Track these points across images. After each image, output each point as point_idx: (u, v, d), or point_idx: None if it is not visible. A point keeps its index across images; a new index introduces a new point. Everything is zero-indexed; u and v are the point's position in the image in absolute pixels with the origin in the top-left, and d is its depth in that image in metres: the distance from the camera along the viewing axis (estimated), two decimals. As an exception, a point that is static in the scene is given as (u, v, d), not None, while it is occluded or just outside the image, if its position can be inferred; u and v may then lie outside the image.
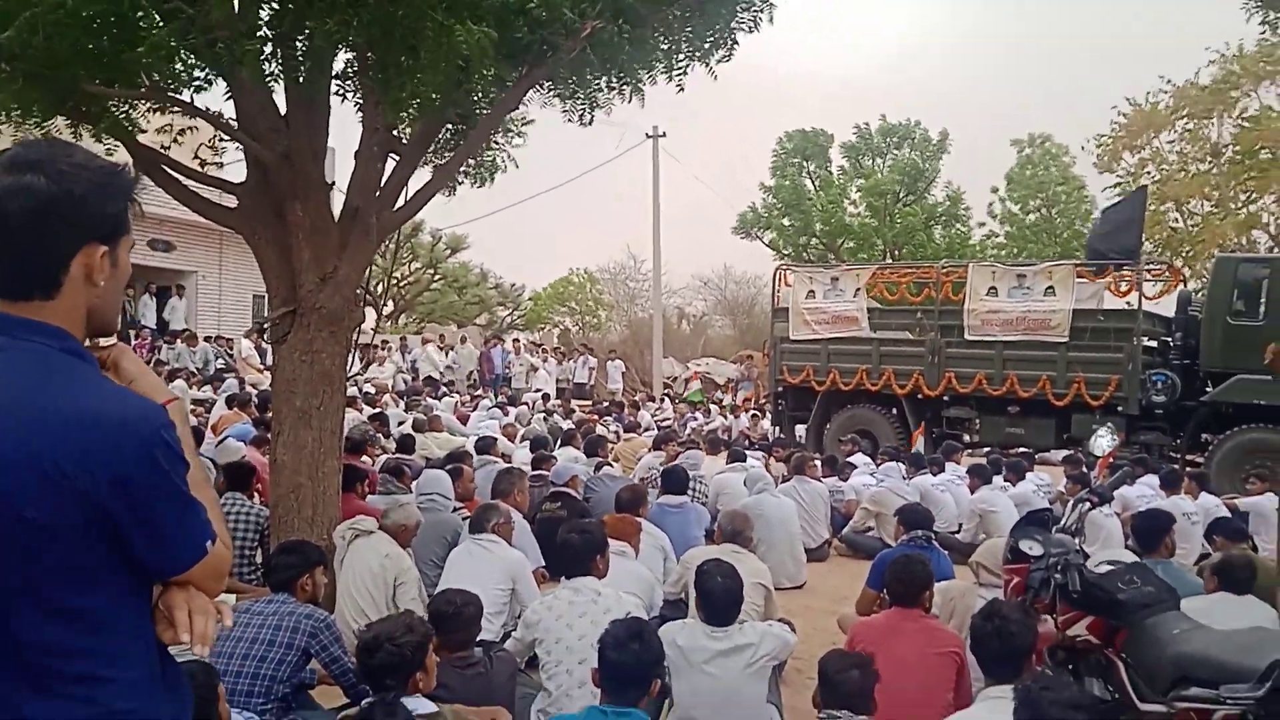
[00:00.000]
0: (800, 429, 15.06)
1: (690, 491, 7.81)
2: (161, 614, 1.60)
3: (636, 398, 21.45)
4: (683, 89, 6.14)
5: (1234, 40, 23.85)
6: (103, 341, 1.73)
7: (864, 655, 3.45)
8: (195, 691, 2.62)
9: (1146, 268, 12.59)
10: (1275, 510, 5.22)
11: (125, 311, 19.14)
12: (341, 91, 5.84)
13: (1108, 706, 3.93)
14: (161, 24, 4.59)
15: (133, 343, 16.97)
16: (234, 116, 5.65)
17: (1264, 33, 14.22)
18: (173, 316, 19.96)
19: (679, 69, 6.06)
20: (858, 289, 14.06)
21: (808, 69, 66.97)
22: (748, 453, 10.31)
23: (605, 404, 19.28)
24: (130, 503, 1.49)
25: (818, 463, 9.94)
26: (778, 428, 15.40)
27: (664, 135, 27.47)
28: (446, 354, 21.96)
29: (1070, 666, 4.24)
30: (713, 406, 20.66)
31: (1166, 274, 12.95)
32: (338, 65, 5.58)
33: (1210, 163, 25.36)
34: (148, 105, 5.73)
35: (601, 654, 3.28)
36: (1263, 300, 10.95)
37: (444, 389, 18.22)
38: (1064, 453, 11.83)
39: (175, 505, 1.56)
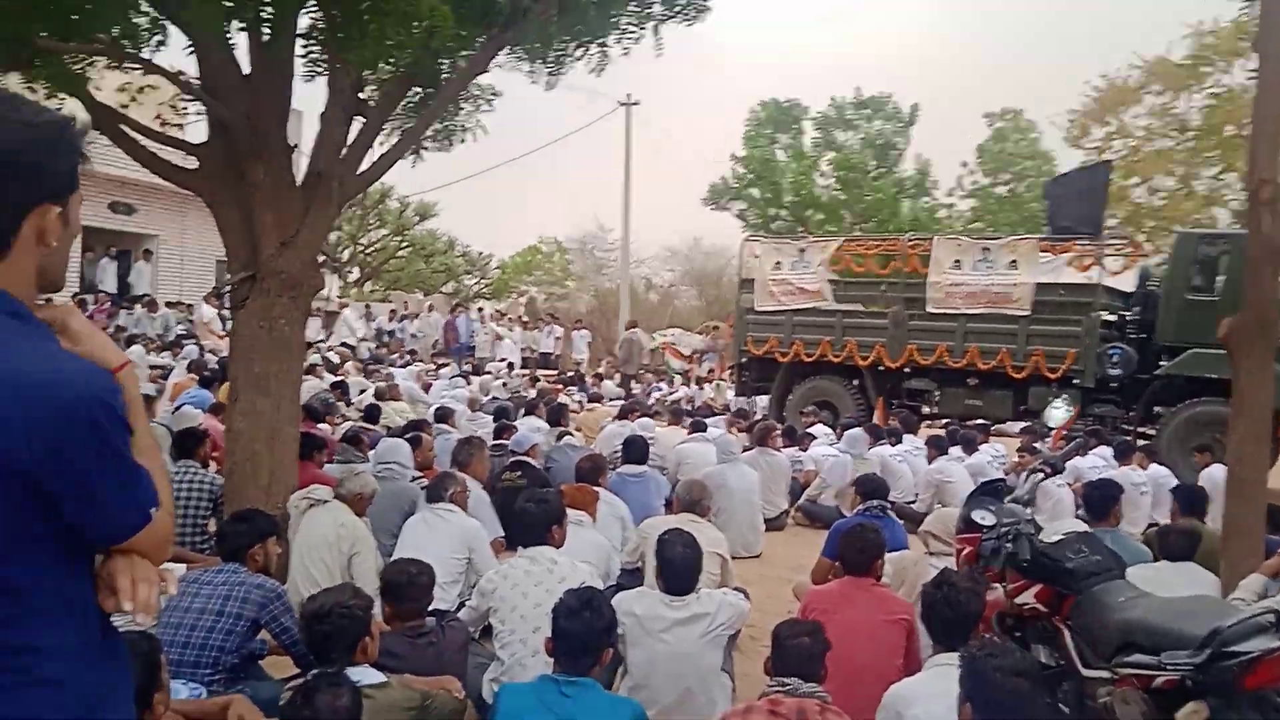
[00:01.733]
0: (761, 400, 15.15)
1: (650, 460, 7.84)
2: (104, 581, 1.57)
3: (601, 369, 21.44)
4: (660, 49, 6.10)
5: (1210, 18, 24.01)
6: (51, 301, 1.69)
7: (815, 623, 3.50)
8: (137, 661, 2.61)
9: (1108, 243, 12.72)
10: (1222, 482, 5.34)
11: (84, 276, 18.84)
12: (306, 53, 5.75)
13: (1052, 672, 4.04)
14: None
15: (90, 308, 16.71)
16: (196, 76, 5.54)
17: (1245, 6, 14.24)
18: (138, 281, 19.68)
19: (646, 32, 6.02)
20: (823, 261, 14.11)
21: (783, 45, 66.60)
22: (708, 422, 10.35)
23: (570, 374, 19.27)
24: (65, 468, 1.45)
25: (779, 433, 10.01)
26: (741, 398, 15.47)
27: (637, 104, 27.35)
28: (411, 321, 21.84)
29: (1018, 634, 4.33)
30: (676, 376, 20.70)
31: (1128, 249, 13.10)
32: (302, 25, 5.49)
33: (1177, 138, 25.59)
34: (105, 62, 5.61)
35: (555, 622, 3.29)
36: (1220, 276, 11.10)
37: (404, 356, 18.13)
38: (1021, 424, 11.99)
39: (115, 471, 1.52)
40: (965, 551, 4.55)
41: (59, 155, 1.56)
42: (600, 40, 6.01)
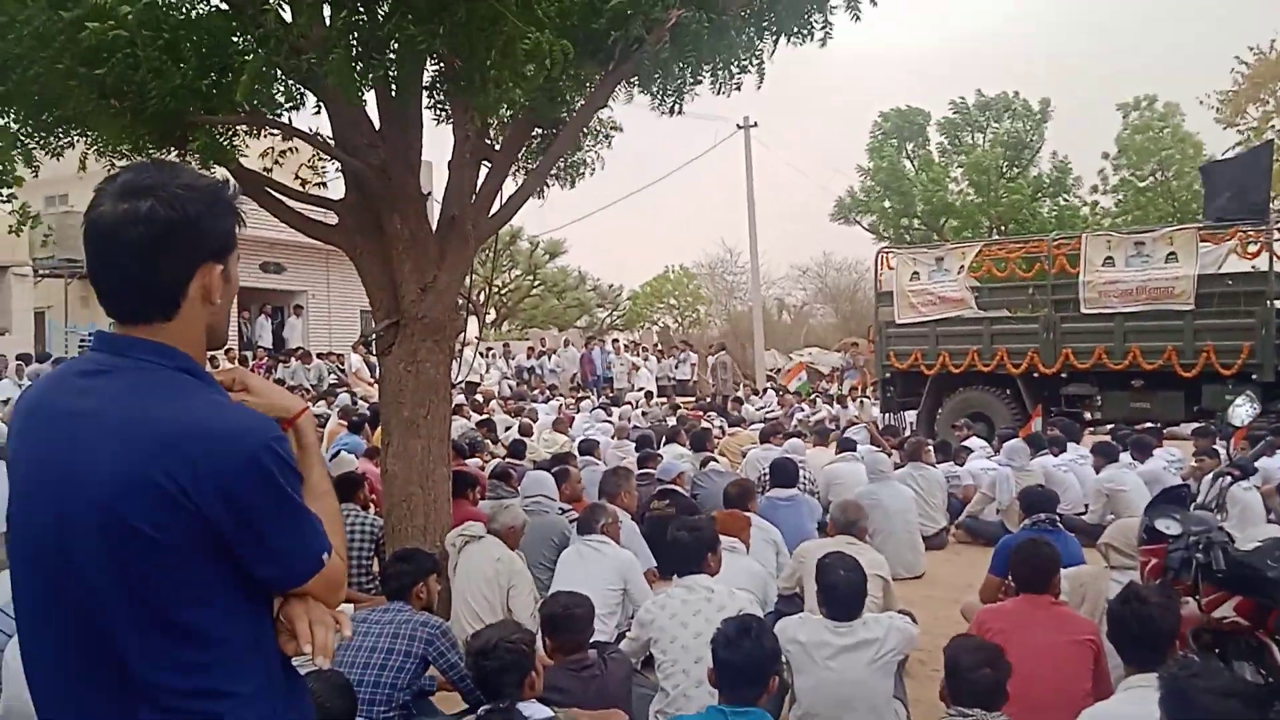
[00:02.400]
0: (909, 415, 14.70)
1: (800, 483, 7.67)
2: (282, 625, 1.62)
3: (740, 392, 21.29)
4: (762, 78, 6.02)
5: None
6: (222, 368, 1.77)
7: (994, 648, 3.29)
8: (338, 694, 2.72)
9: (1277, 226, 11.86)
10: None
11: (241, 333, 19.96)
12: (432, 104, 5.92)
13: (1264, 691, 3.69)
14: (256, 48, 4.71)
15: (250, 364, 17.69)
16: (330, 135, 5.78)
17: None
18: (291, 335, 20.74)
19: (765, 55, 5.95)
20: (963, 267, 13.63)
21: (898, 47, 65.51)
22: (856, 439, 10.09)
23: (709, 399, 19.18)
24: (239, 515, 1.49)
25: (932, 448, 9.67)
26: (887, 415, 15.06)
27: (755, 125, 27.26)
28: (549, 358, 22.23)
29: (1217, 650, 3.99)
30: (818, 397, 20.35)
31: (1299, 232, 12.19)
32: (427, 77, 5.65)
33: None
34: (248, 130, 5.91)
35: (715, 653, 3.21)
36: None
37: (545, 392, 18.42)
38: (1194, 425, 11.23)
39: (287, 517, 1.56)
40: (1151, 564, 4.22)
41: (219, 216, 1.62)
42: (718, 65, 5.96)
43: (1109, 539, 4.97)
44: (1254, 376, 10.99)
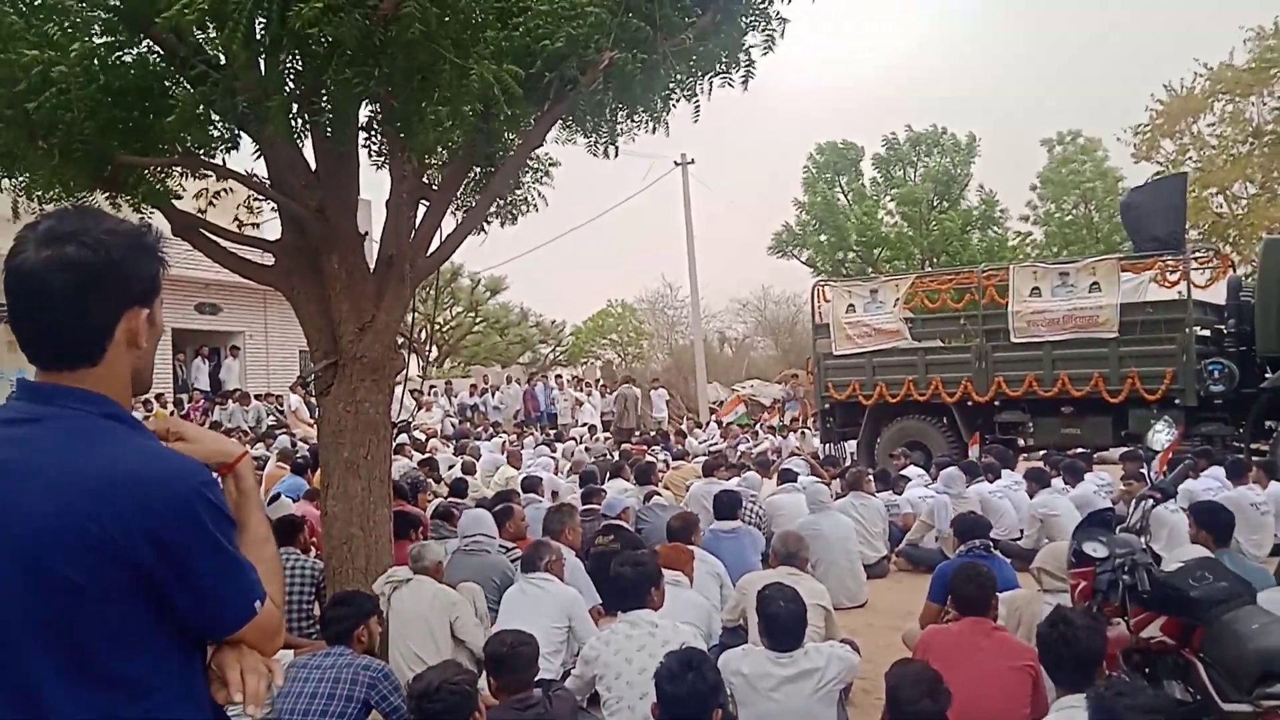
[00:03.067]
0: (849, 445, 14.89)
1: (745, 515, 7.73)
2: (214, 673, 1.60)
3: (683, 425, 21.37)
4: (698, 115, 6.13)
5: (1268, 19, 23.45)
6: (155, 418, 1.75)
7: (933, 677, 3.35)
8: None
9: (1193, 255, 12.32)
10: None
11: (177, 376, 19.54)
12: (369, 143, 5.92)
13: (1189, 708, 3.81)
14: (189, 90, 4.69)
15: (185, 406, 17.31)
16: (266, 176, 5.75)
17: None
18: (228, 377, 20.34)
19: (697, 93, 6.06)
20: (897, 299, 13.91)
21: (827, 83, 66.91)
22: (795, 469, 10.19)
23: (653, 433, 19.23)
24: (171, 562, 1.48)
25: (872, 478, 9.81)
26: (827, 445, 15.24)
27: (692, 162, 27.59)
28: (492, 394, 22.10)
29: (1146, 670, 4.10)
30: (759, 429, 20.51)
31: (1214, 260, 12.68)
32: (363, 117, 5.66)
33: (1252, 144, 24.83)
34: (182, 171, 5.85)
35: (658, 687, 3.23)
36: (1317, 280, 10.64)
37: (489, 430, 18.31)
38: (1123, 450, 11.54)
39: (219, 564, 1.55)
40: (1080, 587, 4.34)
41: (143, 261, 1.62)
42: (650, 106, 6.06)
43: (1041, 563, 5.10)
44: (1177, 401, 11.36)
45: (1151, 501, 4.78)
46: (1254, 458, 10.38)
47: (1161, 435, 5.12)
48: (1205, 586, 3.90)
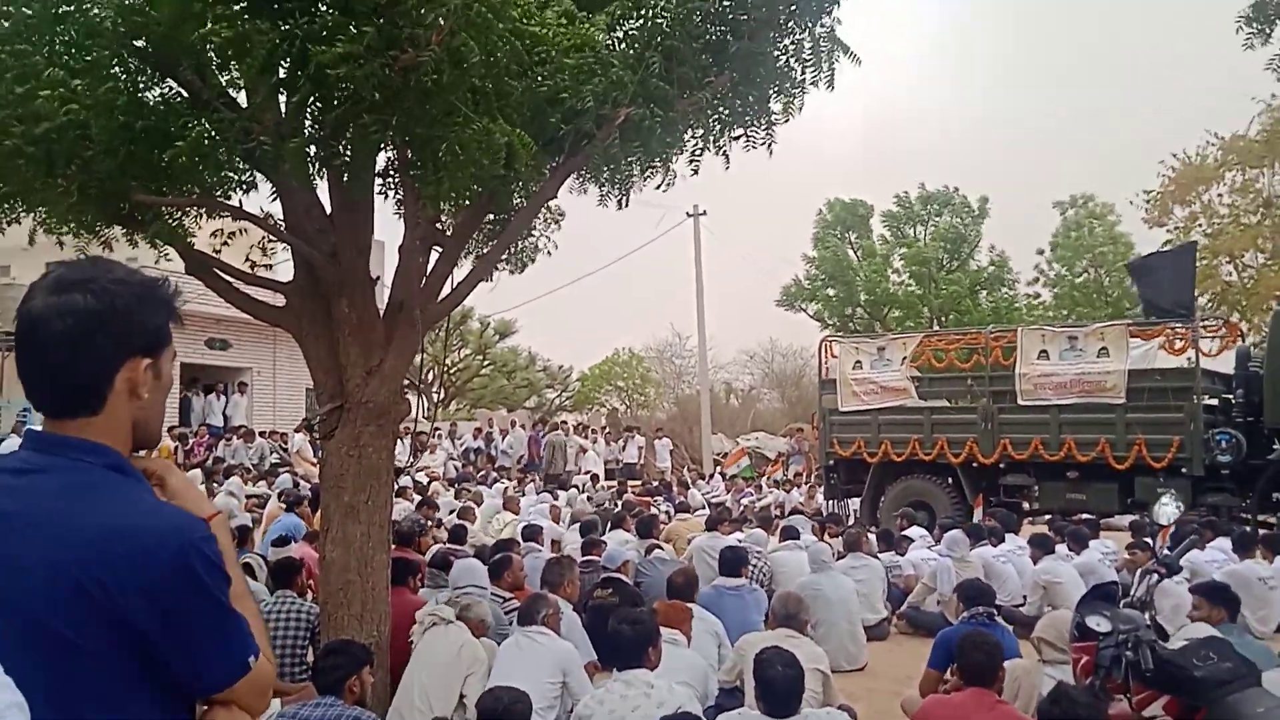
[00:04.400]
0: (853, 503, 14.80)
1: (750, 572, 7.65)
2: None
3: (687, 476, 21.28)
4: (728, 167, 6.19)
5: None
6: (145, 456, 1.73)
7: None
8: None
9: (1202, 324, 12.31)
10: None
11: (183, 410, 19.58)
12: (384, 189, 5.98)
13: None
14: (210, 131, 4.74)
15: (191, 441, 17.32)
16: (281, 218, 5.80)
17: None
18: (234, 413, 20.41)
19: (716, 149, 6.13)
20: (904, 358, 13.91)
21: (841, 140, 67.59)
22: (799, 527, 10.11)
23: (655, 484, 19.15)
24: (164, 617, 1.47)
25: (873, 538, 9.73)
26: (831, 502, 15.15)
27: (704, 213, 27.79)
28: (501, 438, 22.07)
29: (1149, 750, 4.04)
30: (764, 482, 20.41)
31: (1223, 330, 12.68)
32: (380, 163, 5.73)
33: (1262, 214, 24.96)
34: (198, 211, 5.91)
35: (653, 752, 3.18)
36: (1326, 352, 10.62)
37: (491, 474, 18.26)
38: (1130, 517, 11.46)
39: (214, 619, 1.54)
40: (1083, 662, 4.28)
41: (150, 311, 1.61)
42: (664, 160, 6.12)
43: (1041, 633, 5.04)
44: (1184, 470, 11.29)
45: (1156, 576, 4.73)
46: (1260, 530, 10.29)
47: (1167, 509, 5.09)
48: (1209, 667, 3.85)
